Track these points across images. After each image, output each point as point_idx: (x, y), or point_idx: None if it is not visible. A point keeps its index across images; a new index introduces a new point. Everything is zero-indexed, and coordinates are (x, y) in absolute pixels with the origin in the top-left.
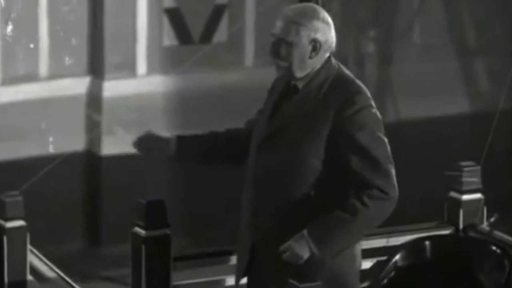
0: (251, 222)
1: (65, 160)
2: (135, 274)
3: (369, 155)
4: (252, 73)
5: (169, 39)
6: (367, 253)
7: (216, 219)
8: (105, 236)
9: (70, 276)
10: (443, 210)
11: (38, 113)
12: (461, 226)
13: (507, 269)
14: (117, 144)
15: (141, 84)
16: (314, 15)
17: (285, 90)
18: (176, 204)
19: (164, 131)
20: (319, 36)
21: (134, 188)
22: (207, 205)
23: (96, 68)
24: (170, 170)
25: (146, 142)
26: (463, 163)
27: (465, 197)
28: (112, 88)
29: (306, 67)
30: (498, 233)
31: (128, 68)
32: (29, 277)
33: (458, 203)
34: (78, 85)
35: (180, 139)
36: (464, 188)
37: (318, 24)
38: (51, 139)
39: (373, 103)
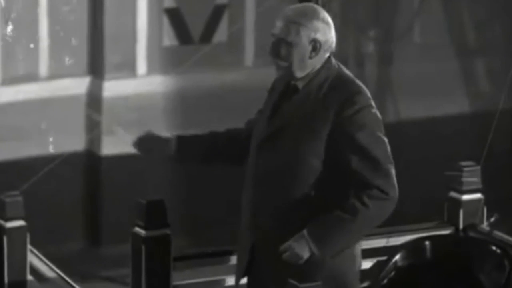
0: (251, 222)
1: (65, 160)
2: (135, 274)
3: (369, 155)
4: (252, 73)
5: (169, 39)
6: (367, 253)
7: (216, 219)
8: (105, 236)
9: (70, 276)
10: (443, 210)
11: (38, 113)
12: (461, 226)
13: (507, 269)
14: (117, 144)
15: (141, 84)
16: (314, 15)
17: (285, 90)
18: (176, 204)
19: (164, 131)
20: (319, 36)
21: (134, 188)
22: (207, 205)
23: (96, 68)
24: (170, 170)
25: (146, 142)
26: (463, 163)
27: (465, 197)
28: (112, 88)
29: (306, 67)
30: (498, 233)
31: (128, 68)
32: (29, 277)
33: (458, 203)
34: (78, 85)
35: (180, 139)
36: (464, 188)
37: (318, 24)
38: (51, 139)
39: (373, 103)
